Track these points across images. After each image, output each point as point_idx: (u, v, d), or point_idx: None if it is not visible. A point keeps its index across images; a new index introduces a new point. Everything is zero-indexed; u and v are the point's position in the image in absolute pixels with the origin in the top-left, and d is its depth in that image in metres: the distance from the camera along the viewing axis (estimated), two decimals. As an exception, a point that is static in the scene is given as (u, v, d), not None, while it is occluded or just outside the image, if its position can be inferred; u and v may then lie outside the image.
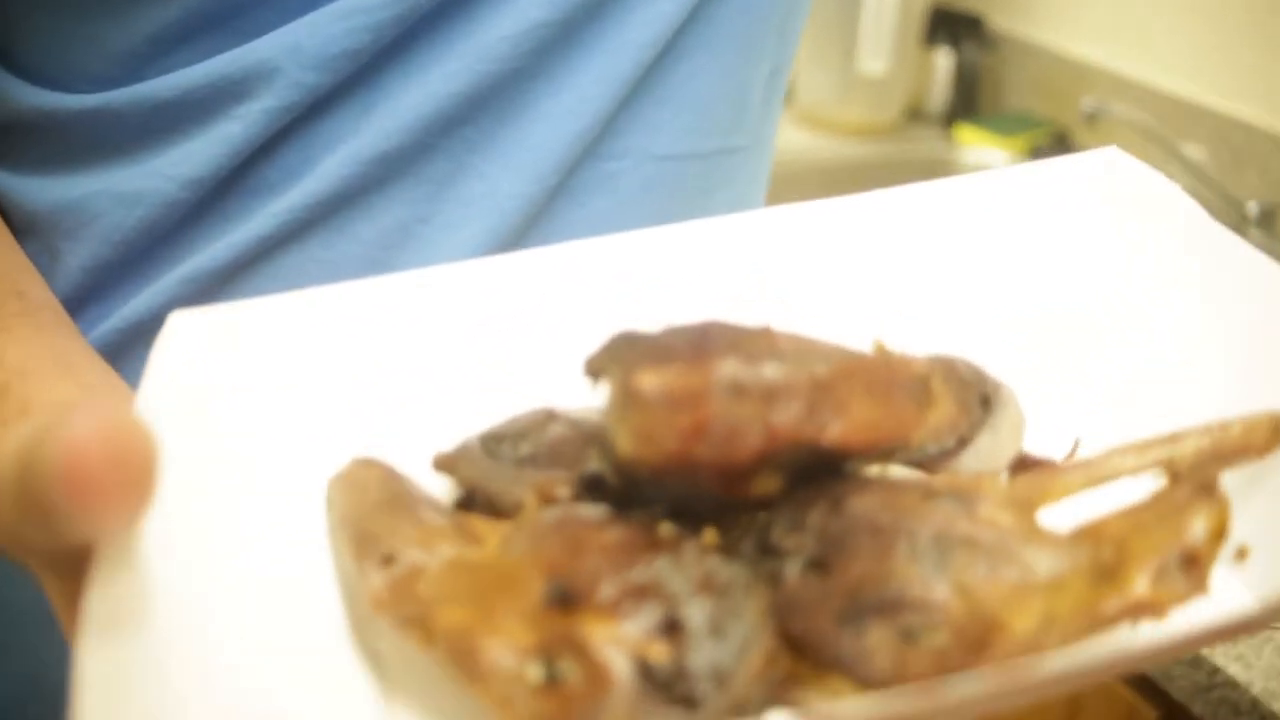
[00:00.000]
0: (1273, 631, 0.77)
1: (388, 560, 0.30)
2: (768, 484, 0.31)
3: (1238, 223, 1.38)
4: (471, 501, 0.34)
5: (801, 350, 0.31)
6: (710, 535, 0.30)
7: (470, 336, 0.39)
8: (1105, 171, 0.43)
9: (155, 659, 0.26)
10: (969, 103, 1.78)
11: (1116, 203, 0.42)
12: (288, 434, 0.35)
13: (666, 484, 0.31)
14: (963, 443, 0.34)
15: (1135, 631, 0.29)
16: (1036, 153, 1.63)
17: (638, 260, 0.40)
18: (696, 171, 0.51)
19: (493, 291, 0.39)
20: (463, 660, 0.27)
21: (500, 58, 0.45)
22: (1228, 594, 0.32)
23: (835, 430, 0.30)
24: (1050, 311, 0.41)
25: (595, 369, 0.32)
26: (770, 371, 0.30)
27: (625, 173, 0.49)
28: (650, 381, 0.29)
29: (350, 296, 0.37)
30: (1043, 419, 0.38)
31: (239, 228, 0.45)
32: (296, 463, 0.35)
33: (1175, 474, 0.33)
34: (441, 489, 0.35)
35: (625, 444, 0.29)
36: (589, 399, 0.38)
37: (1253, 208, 1.38)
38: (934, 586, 0.29)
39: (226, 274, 0.45)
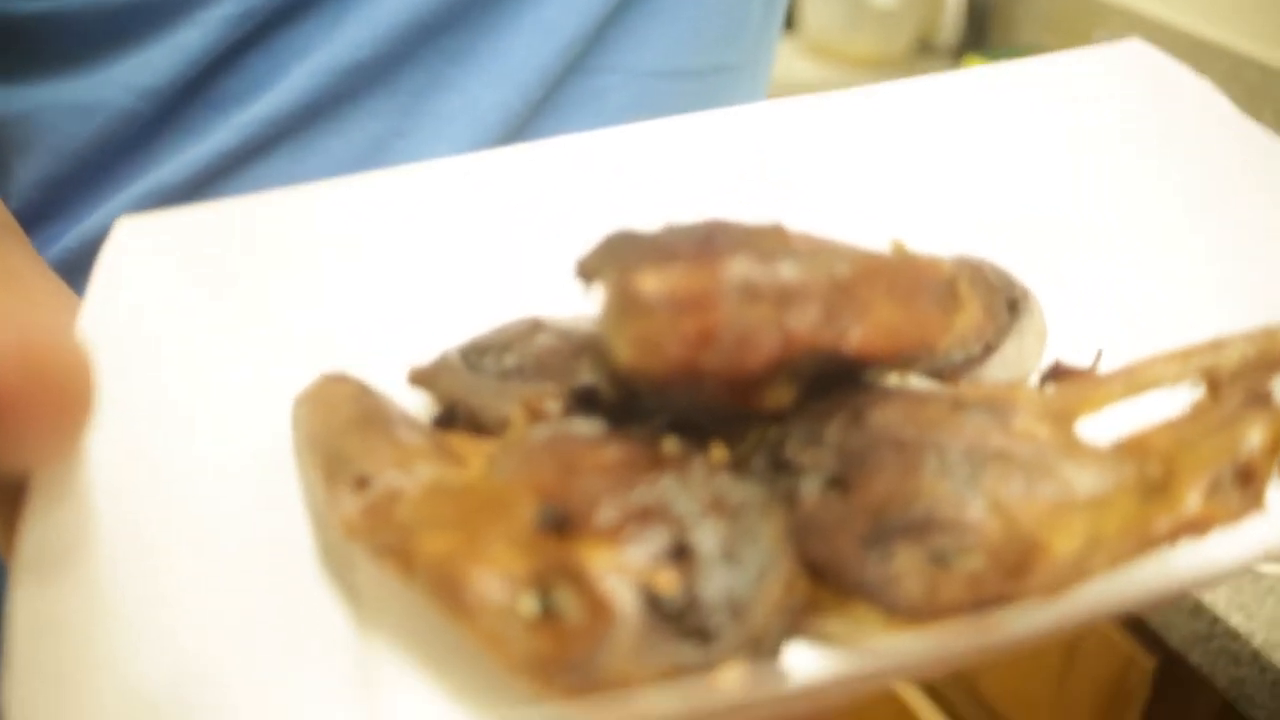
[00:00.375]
0: (1277, 581, 0.76)
1: (361, 483, 0.27)
2: (781, 395, 0.28)
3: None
4: (452, 419, 0.31)
5: (817, 250, 0.28)
6: (718, 451, 0.27)
7: (447, 240, 0.35)
8: (1130, 63, 0.40)
9: (98, 597, 0.23)
10: (980, 35, 1.74)
11: (1142, 96, 0.39)
12: (247, 350, 0.32)
13: (669, 396, 0.28)
14: (989, 350, 0.31)
15: (1184, 554, 0.27)
16: None
17: (631, 156, 0.37)
18: (687, 90, 0.48)
19: (471, 192, 0.36)
20: (447, 592, 0.24)
21: None
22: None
23: (856, 336, 0.27)
24: (1071, 210, 0.38)
25: (588, 271, 0.28)
26: (785, 271, 0.26)
27: (613, 89, 0.46)
28: (652, 283, 0.26)
29: (314, 200, 0.34)
30: (1065, 326, 0.36)
31: (200, 142, 0.43)
32: (257, 381, 0.31)
33: (1216, 383, 0.31)
34: (418, 406, 0.32)
35: (625, 352, 0.26)
36: (579, 306, 0.35)
37: None
38: (967, 505, 0.26)
39: (187, 191, 0.42)
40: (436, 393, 0.31)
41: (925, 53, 1.77)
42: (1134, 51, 0.40)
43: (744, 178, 0.37)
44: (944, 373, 0.32)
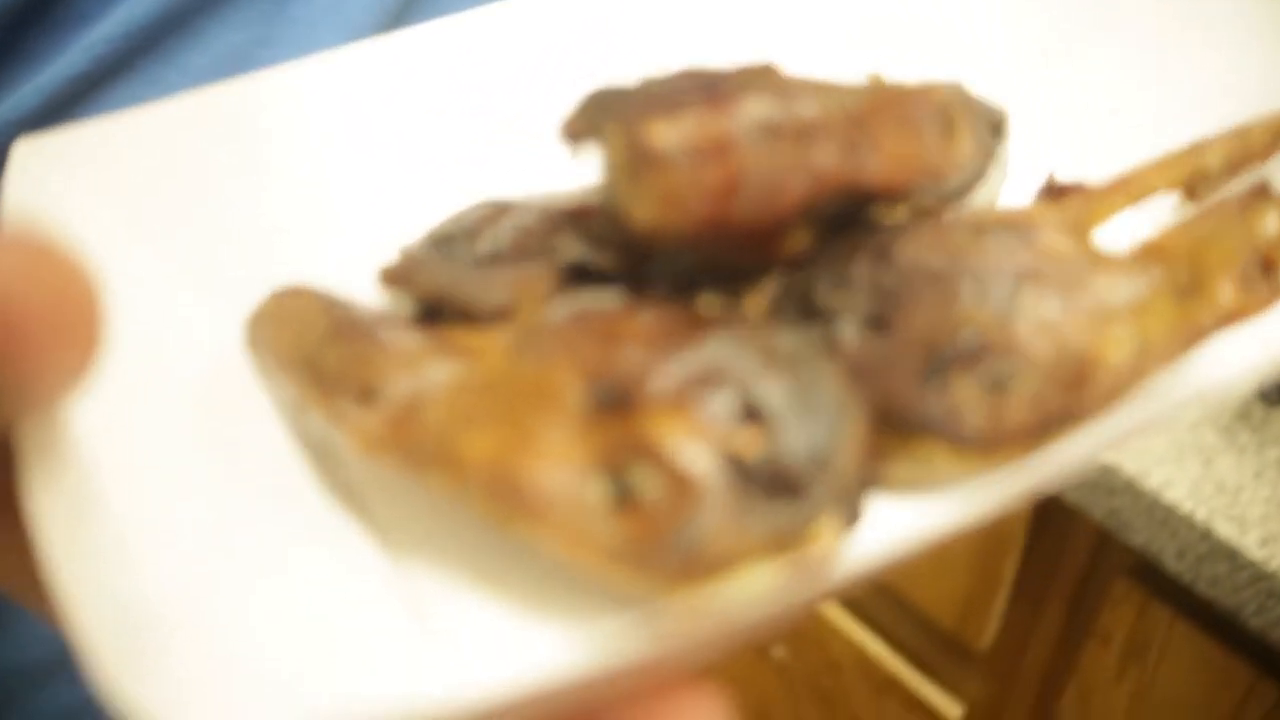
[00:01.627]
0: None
1: (368, 395, 0.25)
2: (801, 239, 0.26)
3: None
4: (437, 316, 0.28)
5: (816, 88, 0.27)
6: (754, 303, 0.26)
7: (368, 130, 0.32)
8: None
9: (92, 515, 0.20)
10: None
11: None
12: (183, 268, 0.28)
13: (683, 257, 0.26)
14: (978, 175, 0.30)
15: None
16: None
17: (571, 19, 0.34)
18: None
19: (384, 74, 0.33)
20: (507, 494, 0.22)
21: None
22: None
23: (873, 168, 0.26)
24: (1019, 32, 0.38)
25: (579, 131, 0.26)
26: (803, 108, 0.25)
27: None
28: (666, 133, 0.24)
29: (224, 97, 0.30)
30: (1040, 144, 0.35)
31: (47, 67, 0.38)
32: (199, 302, 0.28)
33: (1197, 185, 0.31)
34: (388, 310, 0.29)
35: (646, 212, 0.24)
36: (540, 184, 0.33)
37: None
38: (1014, 327, 0.25)
39: (40, 118, 0.38)
40: (415, 290, 0.28)
41: None
42: None
43: (692, 32, 0.35)
44: (932, 206, 0.31)
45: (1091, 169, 0.33)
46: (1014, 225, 0.27)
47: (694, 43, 0.35)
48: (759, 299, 0.26)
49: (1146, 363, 0.25)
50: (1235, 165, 0.31)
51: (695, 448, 0.22)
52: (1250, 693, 0.76)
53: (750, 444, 0.22)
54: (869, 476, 0.24)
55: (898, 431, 0.25)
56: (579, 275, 0.28)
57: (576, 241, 0.28)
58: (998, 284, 0.26)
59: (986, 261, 0.26)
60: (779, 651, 1.08)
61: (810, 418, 0.23)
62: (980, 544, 0.91)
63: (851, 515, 0.23)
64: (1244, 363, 0.26)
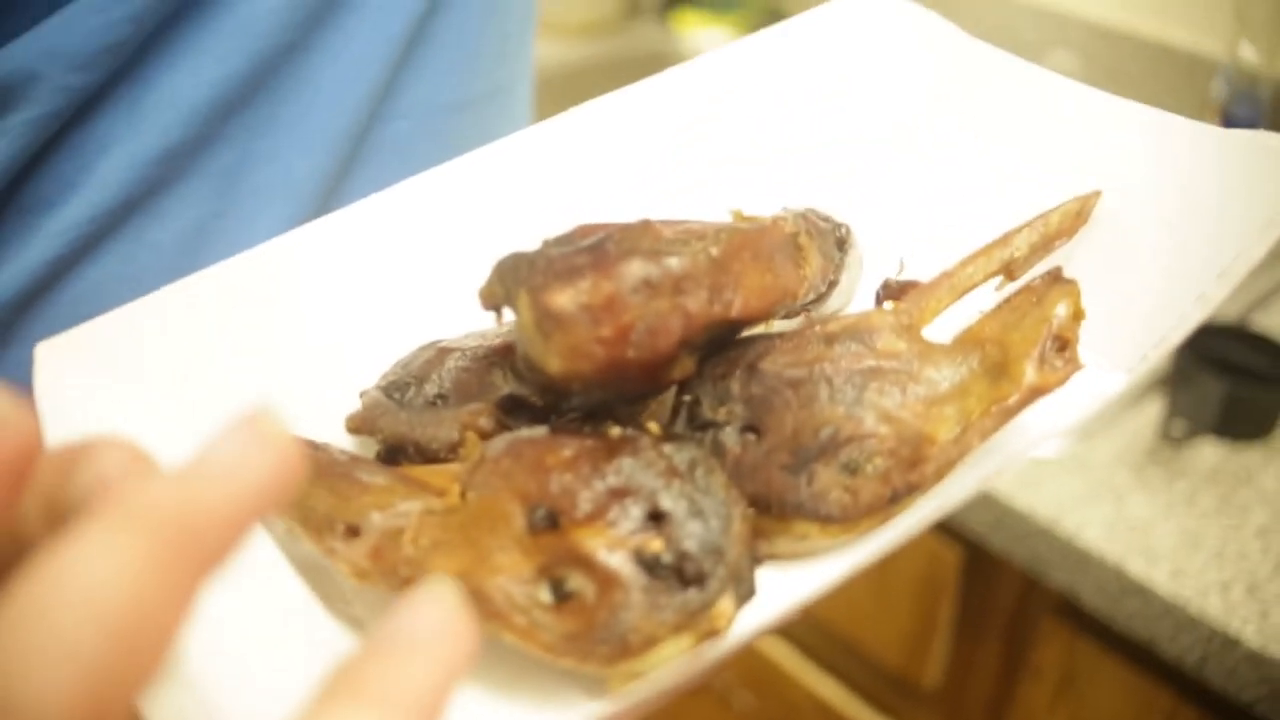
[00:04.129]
0: (1051, 463, 0.85)
1: (353, 531, 0.30)
2: (685, 366, 0.32)
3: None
4: (398, 453, 0.34)
5: (684, 235, 0.33)
6: (654, 426, 0.32)
7: (323, 300, 0.38)
8: (874, 11, 0.45)
9: None
10: None
11: (899, 41, 0.45)
12: (185, 428, 0.34)
13: (594, 393, 0.32)
14: (831, 286, 0.37)
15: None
16: (755, 27, 1.66)
17: (468, 188, 0.40)
18: (475, 115, 0.51)
19: (327, 254, 0.39)
20: (473, 604, 0.28)
21: (269, 33, 0.43)
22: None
23: (739, 304, 0.32)
24: (862, 152, 0.44)
25: (495, 297, 0.32)
26: (674, 264, 0.31)
27: (412, 129, 0.48)
28: (566, 299, 0.30)
29: (202, 287, 0.36)
30: (880, 249, 0.42)
31: (20, 254, 0.42)
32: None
33: (1013, 269, 0.37)
34: (354, 449, 0.35)
35: (556, 364, 0.30)
36: (463, 325, 0.39)
37: None
38: (861, 420, 0.32)
39: (18, 306, 0.42)
40: (378, 434, 0.34)
41: (634, 12, 1.82)
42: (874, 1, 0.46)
43: (571, 185, 0.41)
44: (797, 312, 0.37)
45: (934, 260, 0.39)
46: (857, 332, 0.33)
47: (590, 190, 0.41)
48: (656, 424, 0.32)
49: (970, 437, 0.32)
50: (1040, 249, 0.38)
51: (615, 554, 0.28)
52: (1173, 718, 0.82)
53: (658, 545, 0.28)
54: (757, 557, 0.30)
55: (777, 516, 0.31)
56: (513, 405, 0.34)
57: (507, 379, 0.34)
58: (847, 386, 0.32)
59: (837, 367, 0.32)
60: (742, 699, 1.13)
61: (704, 517, 0.29)
62: (918, 589, 0.96)
63: (746, 592, 0.29)
64: (1046, 428, 0.33)
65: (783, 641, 1.12)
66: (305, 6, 0.43)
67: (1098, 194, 0.39)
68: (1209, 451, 0.87)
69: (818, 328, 0.34)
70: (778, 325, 0.36)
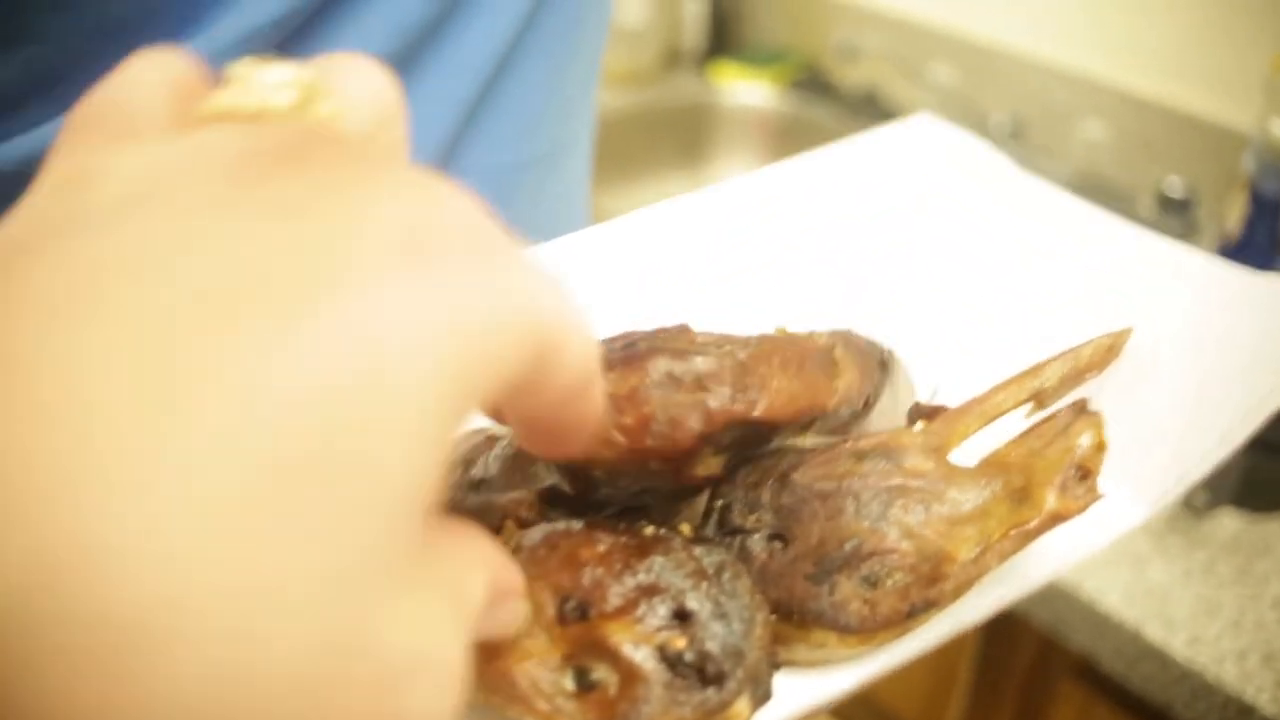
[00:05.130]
0: None
1: None
2: (710, 465, 0.34)
3: (986, 133, 1.50)
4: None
5: (719, 341, 0.35)
6: (685, 527, 0.33)
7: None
8: (923, 138, 0.47)
9: None
10: (723, 41, 1.86)
11: (938, 166, 0.47)
12: None
13: (621, 481, 0.33)
14: (869, 404, 0.38)
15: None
16: (795, 85, 1.71)
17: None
18: (534, 175, 0.53)
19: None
20: (502, 689, 0.29)
21: None
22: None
23: (762, 405, 0.34)
24: (906, 279, 0.46)
25: None
26: (698, 363, 0.33)
27: (472, 188, 0.50)
28: None
29: None
30: (920, 374, 0.43)
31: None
32: None
33: (1043, 399, 0.39)
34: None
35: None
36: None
37: (1003, 121, 1.51)
38: (885, 536, 0.33)
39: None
40: (423, 515, 0.36)
41: (674, 62, 1.87)
42: (924, 126, 0.48)
43: (622, 291, 0.43)
44: (836, 428, 0.38)
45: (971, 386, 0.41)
46: (887, 451, 0.35)
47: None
48: (688, 525, 0.34)
49: (989, 558, 0.33)
50: (1070, 381, 0.39)
51: (640, 648, 0.29)
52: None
53: (682, 643, 0.30)
54: (776, 661, 0.31)
55: (798, 624, 0.32)
56: (554, 496, 0.35)
57: (549, 470, 0.36)
58: (873, 501, 0.33)
59: (865, 483, 0.34)
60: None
61: (728, 619, 0.30)
62: (938, 654, 0.97)
63: (763, 695, 0.30)
64: (1064, 556, 0.34)
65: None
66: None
67: (1129, 330, 0.40)
68: (1229, 522, 0.88)
69: (849, 444, 0.35)
70: (811, 440, 0.38)
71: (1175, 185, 1.33)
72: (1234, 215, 1.24)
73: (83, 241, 0.17)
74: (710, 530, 0.34)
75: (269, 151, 0.19)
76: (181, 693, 0.15)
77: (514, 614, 0.24)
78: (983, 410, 0.37)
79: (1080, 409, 0.36)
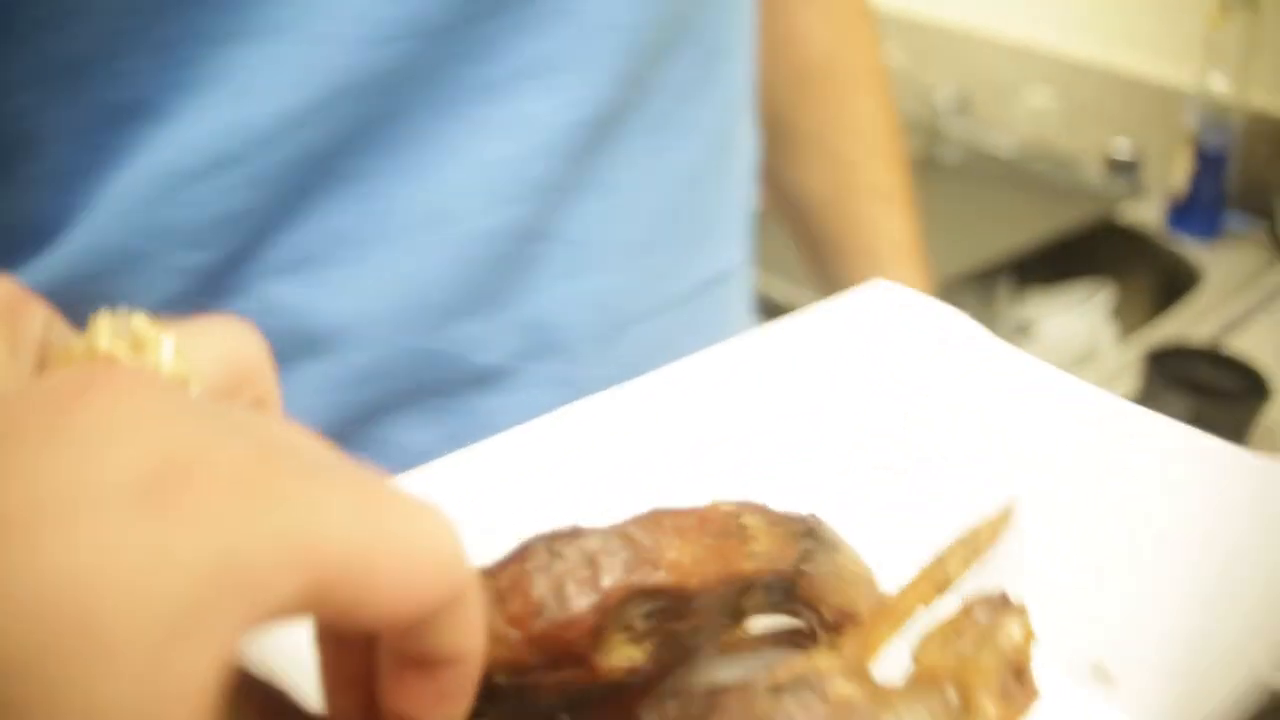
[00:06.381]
0: None
1: None
2: (628, 654, 0.31)
3: (930, 115, 1.54)
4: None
5: (610, 526, 0.32)
6: None
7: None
8: (880, 304, 0.45)
9: None
10: None
11: (898, 333, 0.45)
12: None
13: (541, 681, 0.30)
14: (804, 573, 0.34)
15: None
16: None
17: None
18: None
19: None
20: None
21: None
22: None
23: (662, 572, 0.31)
24: (848, 456, 0.44)
25: None
26: (585, 541, 0.31)
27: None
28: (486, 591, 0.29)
29: None
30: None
31: None
32: None
33: (947, 584, 0.36)
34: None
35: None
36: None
37: (949, 95, 1.55)
38: (821, 783, 0.29)
39: None
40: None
41: None
42: (880, 292, 0.45)
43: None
44: (792, 592, 0.35)
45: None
46: (807, 681, 0.31)
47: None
48: None
49: (938, 789, 0.29)
50: (970, 561, 0.36)
51: None
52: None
53: None
54: None
55: None
56: (495, 694, 0.31)
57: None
58: (803, 744, 0.29)
59: (791, 721, 0.30)
60: None
61: None
62: None
63: None
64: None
65: None
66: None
67: (1016, 501, 0.38)
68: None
69: (765, 676, 0.31)
70: (725, 671, 0.34)
71: (1122, 147, 1.36)
72: (1180, 173, 1.27)
73: None
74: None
75: (51, 388, 0.20)
76: None
77: None
78: (895, 616, 0.34)
79: (1001, 603, 0.33)
